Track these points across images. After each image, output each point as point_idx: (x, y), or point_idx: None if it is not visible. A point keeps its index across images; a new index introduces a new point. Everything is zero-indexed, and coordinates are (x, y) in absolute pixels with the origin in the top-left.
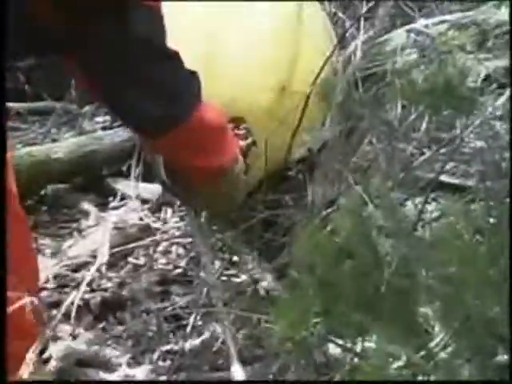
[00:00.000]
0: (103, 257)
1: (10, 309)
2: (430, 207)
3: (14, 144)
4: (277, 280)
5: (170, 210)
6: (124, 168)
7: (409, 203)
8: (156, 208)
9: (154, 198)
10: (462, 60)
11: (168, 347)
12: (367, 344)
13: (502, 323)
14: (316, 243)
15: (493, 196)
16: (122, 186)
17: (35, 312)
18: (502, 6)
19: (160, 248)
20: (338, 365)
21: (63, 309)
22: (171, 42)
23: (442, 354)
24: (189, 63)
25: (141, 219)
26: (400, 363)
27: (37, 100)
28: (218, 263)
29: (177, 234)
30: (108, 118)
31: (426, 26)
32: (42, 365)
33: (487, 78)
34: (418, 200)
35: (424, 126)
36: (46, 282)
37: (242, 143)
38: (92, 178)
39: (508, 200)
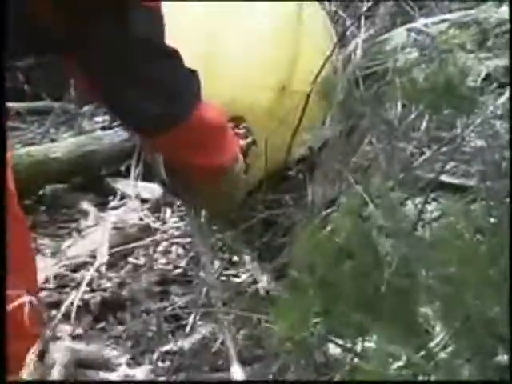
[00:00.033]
0: (103, 257)
1: (10, 306)
2: (430, 207)
3: (13, 144)
4: (277, 280)
5: (169, 210)
6: (123, 168)
7: (409, 203)
8: (156, 208)
9: (154, 198)
10: (463, 59)
11: (167, 347)
12: (367, 344)
13: (502, 323)
14: (316, 243)
15: (493, 196)
16: (122, 185)
17: (35, 312)
18: (502, 4)
19: (160, 248)
20: (338, 365)
21: (63, 309)
22: (171, 42)
23: (442, 354)
24: (189, 63)
25: (140, 219)
26: (400, 363)
27: (36, 100)
28: (217, 263)
29: (176, 233)
30: (107, 117)
31: (427, 25)
32: (42, 365)
33: (488, 77)
34: (418, 200)
35: (424, 125)
36: (46, 282)
37: (242, 143)
38: (91, 178)
39: (508, 200)
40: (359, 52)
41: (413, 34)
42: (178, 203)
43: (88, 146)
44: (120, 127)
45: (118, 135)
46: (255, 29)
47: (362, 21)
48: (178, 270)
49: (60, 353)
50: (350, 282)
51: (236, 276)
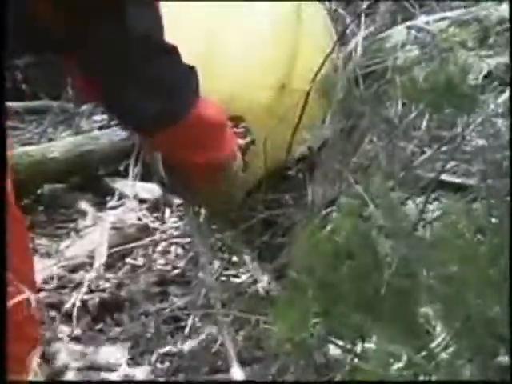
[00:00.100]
0: (102, 257)
1: (10, 303)
2: (431, 206)
3: (12, 143)
4: (277, 280)
5: (168, 210)
6: (122, 168)
7: (409, 202)
8: (154, 208)
9: (153, 198)
10: (463, 57)
11: (166, 349)
12: (367, 345)
13: (503, 323)
14: (316, 243)
15: (494, 195)
16: (120, 185)
17: (35, 313)
18: (503, 2)
19: (158, 248)
20: (338, 365)
21: (65, 310)
22: (171, 41)
23: (443, 355)
24: (188, 62)
25: (139, 219)
26: (401, 364)
27: (34, 99)
28: (217, 263)
29: (175, 234)
30: (105, 117)
31: (427, 23)
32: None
33: (489, 75)
34: (419, 200)
35: (425, 124)
36: (44, 282)
37: (241, 142)
38: (89, 178)
39: (509, 199)
40: (359, 50)
41: (413, 32)
42: (177, 203)
43: (86, 145)
44: (118, 126)
45: (117, 134)
46: (255, 28)
47: (362, 19)
48: (177, 271)
49: (58, 354)
50: (349, 283)
51: (236, 276)
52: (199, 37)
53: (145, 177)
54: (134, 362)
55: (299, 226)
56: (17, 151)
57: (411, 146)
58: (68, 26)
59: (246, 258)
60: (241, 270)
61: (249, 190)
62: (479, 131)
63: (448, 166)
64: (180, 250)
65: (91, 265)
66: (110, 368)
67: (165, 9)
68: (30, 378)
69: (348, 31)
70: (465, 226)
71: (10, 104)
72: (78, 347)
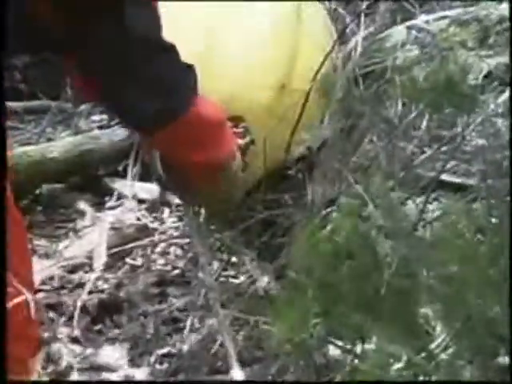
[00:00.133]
0: (100, 258)
1: (10, 304)
2: (430, 206)
3: (12, 143)
4: (276, 281)
5: (167, 210)
6: (121, 168)
7: (409, 202)
8: (153, 208)
9: (152, 198)
10: (463, 57)
11: (165, 350)
12: (367, 345)
13: (503, 324)
14: (315, 243)
15: (494, 195)
16: (119, 185)
17: (34, 313)
18: (503, 1)
19: (158, 249)
20: (338, 366)
21: (64, 312)
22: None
23: (443, 355)
24: (188, 61)
25: (138, 219)
26: (401, 365)
27: (32, 99)
28: (216, 264)
29: (175, 234)
30: (104, 116)
31: (427, 22)
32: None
33: (489, 74)
34: (419, 199)
35: (425, 124)
36: (42, 283)
37: (241, 142)
38: (88, 178)
39: (509, 199)
40: (359, 49)
41: (413, 32)
42: (176, 203)
43: (85, 145)
44: (118, 126)
45: (116, 134)
46: (255, 28)
47: (362, 18)
48: (176, 271)
49: (57, 355)
50: (349, 283)
51: (235, 277)
52: (199, 36)
53: (144, 177)
54: (133, 363)
55: (299, 226)
56: (16, 151)
57: (411, 145)
58: (68, 26)
59: (246, 258)
60: (240, 270)
61: (248, 190)
62: (479, 131)
63: (448, 165)
64: (179, 251)
65: (90, 265)
66: (109, 369)
67: (165, 8)
68: (33, 378)
69: (348, 31)
70: (465, 226)
71: (8, 104)
72: (76, 348)
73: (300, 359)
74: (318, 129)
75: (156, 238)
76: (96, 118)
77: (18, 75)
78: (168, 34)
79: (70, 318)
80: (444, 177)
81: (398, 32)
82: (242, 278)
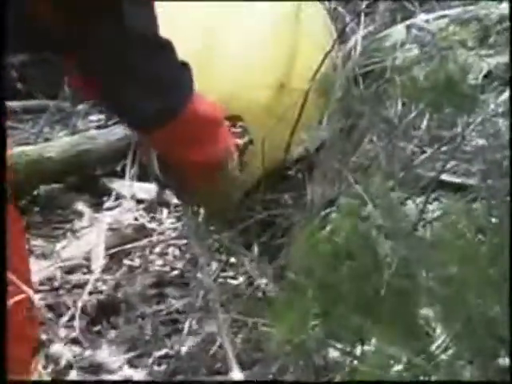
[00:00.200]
0: (99, 258)
1: (10, 303)
2: (431, 206)
3: (11, 143)
4: (275, 281)
5: (166, 211)
6: (119, 168)
7: (409, 202)
8: (152, 208)
9: (150, 199)
10: (463, 56)
11: (164, 351)
12: (367, 347)
13: (503, 324)
14: (315, 244)
15: (494, 195)
16: (117, 185)
17: (34, 314)
18: (503, 0)
19: (156, 249)
20: (337, 367)
21: (63, 313)
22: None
23: (443, 357)
24: (188, 62)
25: (136, 220)
26: (401, 366)
27: (30, 98)
28: (214, 265)
29: (173, 235)
30: (102, 116)
31: (426, 22)
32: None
33: (489, 74)
34: (419, 200)
35: (425, 124)
36: (40, 284)
37: (239, 142)
38: (86, 178)
39: (509, 199)
40: (359, 48)
41: (414, 31)
42: (175, 203)
43: (82, 145)
44: (115, 126)
45: (113, 134)
46: (255, 28)
47: (362, 17)
48: (175, 272)
49: (56, 356)
50: (349, 284)
51: (234, 278)
52: (199, 36)
53: (142, 177)
54: (131, 364)
55: (298, 227)
56: (15, 151)
57: (411, 145)
58: (68, 26)
59: (244, 259)
60: (239, 271)
61: (247, 190)
62: (479, 131)
63: (448, 165)
64: (177, 252)
65: (88, 266)
66: (107, 370)
67: (165, 8)
68: (33, 378)
69: (347, 30)
70: (465, 226)
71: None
72: (75, 349)
73: (299, 361)
74: (316, 130)
75: (154, 238)
76: (94, 117)
77: (15, 74)
78: (168, 33)
79: (69, 319)
80: (444, 177)
81: (398, 31)
82: (240, 279)
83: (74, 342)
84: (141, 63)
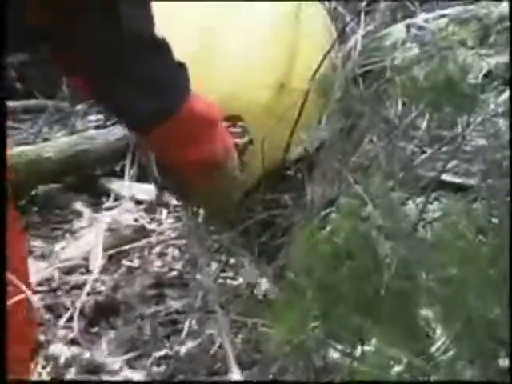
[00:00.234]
0: (98, 259)
1: (10, 302)
2: (431, 207)
3: (11, 143)
4: (275, 282)
5: (165, 211)
6: (118, 168)
7: (410, 203)
8: (151, 209)
9: (149, 199)
10: (463, 56)
11: (163, 352)
12: (367, 348)
13: (503, 326)
14: (314, 244)
15: (495, 195)
16: (116, 186)
17: (32, 315)
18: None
19: (155, 250)
20: (337, 368)
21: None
22: (169, 41)
23: (443, 358)
24: (187, 61)
25: (135, 220)
26: (401, 368)
27: (28, 98)
28: (214, 265)
29: (172, 235)
30: (101, 116)
31: (426, 21)
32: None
33: (489, 74)
34: (419, 200)
35: (425, 123)
36: (38, 285)
37: (239, 142)
38: (85, 178)
39: (509, 199)
40: (359, 48)
41: (414, 30)
42: (174, 204)
43: (81, 145)
44: (114, 126)
45: (112, 134)
46: (255, 28)
47: (362, 16)
48: (174, 273)
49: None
50: (349, 284)
51: (233, 279)
52: (199, 36)
53: (141, 177)
54: (130, 365)
55: (298, 227)
56: (14, 151)
57: (411, 145)
58: (57, 26)
59: (244, 259)
60: (239, 271)
61: (247, 190)
62: (480, 131)
63: (448, 165)
64: (177, 252)
65: (87, 267)
66: (107, 371)
67: (165, 8)
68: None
69: (347, 29)
70: (465, 226)
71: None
72: (73, 350)
73: (299, 362)
74: (316, 130)
75: (153, 239)
76: (92, 118)
77: (14, 74)
78: (168, 33)
79: (68, 319)
80: (444, 177)
81: (398, 30)
82: (240, 280)
83: (73, 342)
84: (137, 63)
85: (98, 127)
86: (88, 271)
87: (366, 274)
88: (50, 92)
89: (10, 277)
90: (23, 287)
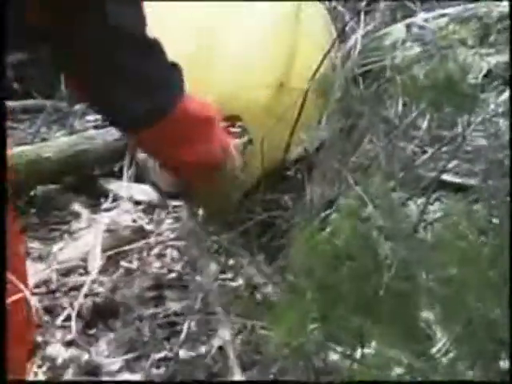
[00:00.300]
0: (97, 260)
1: (10, 302)
2: (432, 207)
3: (11, 143)
4: (274, 283)
5: (164, 212)
6: (116, 168)
7: (410, 203)
8: (150, 210)
9: (148, 200)
10: (463, 55)
11: (162, 354)
12: (367, 350)
13: (503, 327)
14: (314, 245)
15: (495, 195)
16: (115, 186)
17: (29, 316)
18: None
19: (154, 251)
20: (337, 369)
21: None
22: (169, 40)
23: (444, 360)
24: (187, 61)
25: (134, 221)
26: (401, 369)
27: (26, 98)
28: (214, 266)
29: (171, 236)
30: (99, 117)
31: (426, 20)
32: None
33: (489, 73)
34: (420, 200)
35: (425, 123)
36: (36, 286)
37: (238, 141)
38: (83, 179)
39: (509, 199)
40: (358, 47)
41: (415, 30)
42: (173, 205)
43: (79, 145)
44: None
45: (111, 134)
46: (254, 28)
47: (362, 16)
48: (173, 274)
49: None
50: (349, 285)
51: (232, 280)
52: (199, 36)
53: (140, 178)
54: (129, 367)
55: (297, 228)
56: (13, 151)
57: (412, 145)
58: (54, 26)
59: (243, 260)
60: (238, 273)
61: (247, 190)
62: (480, 131)
63: (449, 165)
64: (176, 253)
65: (85, 268)
66: (105, 373)
67: (164, 8)
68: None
69: (347, 29)
70: (466, 227)
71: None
72: (71, 352)
73: (298, 363)
74: (316, 130)
75: (152, 240)
76: (91, 117)
77: (12, 74)
78: (168, 33)
79: (66, 321)
80: (445, 177)
81: (398, 30)
82: (239, 281)
83: (71, 344)
84: (129, 63)
85: (96, 127)
86: (86, 272)
87: (366, 274)
88: (48, 92)
89: (9, 276)
90: (21, 286)
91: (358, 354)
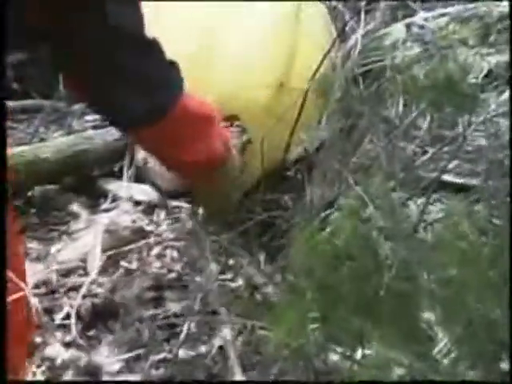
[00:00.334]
0: (96, 261)
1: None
2: (432, 207)
3: (11, 142)
4: (274, 283)
5: (163, 212)
6: (116, 169)
7: (411, 203)
8: (149, 210)
9: (148, 200)
10: (464, 55)
11: (162, 355)
12: (367, 350)
13: (503, 327)
14: (314, 245)
15: (495, 195)
16: (114, 187)
17: (28, 316)
18: None
19: (153, 251)
20: (337, 370)
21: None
22: (169, 40)
23: (445, 361)
24: (187, 61)
25: (133, 221)
26: (402, 370)
27: (25, 98)
28: (213, 267)
29: (171, 236)
30: (98, 117)
31: (427, 20)
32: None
33: (489, 73)
34: (420, 201)
35: (426, 124)
36: (35, 287)
37: (238, 141)
38: (82, 179)
39: (509, 199)
40: (359, 47)
41: (415, 29)
42: (173, 205)
43: (79, 145)
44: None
45: (110, 134)
46: (254, 28)
47: (362, 15)
48: (173, 275)
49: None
50: (349, 286)
51: (232, 280)
52: (199, 36)
53: (139, 178)
54: (128, 368)
55: (298, 228)
56: (12, 151)
57: (412, 146)
58: (54, 26)
59: (243, 260)
60: (238, 273)
61: (247, 190)
62: (481, 131)
63: (450, 165)
64: (175, 254)
65: (84, 269)
66: (104, 374)
67: (165, 8)
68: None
69: (347, 28)
70: (467, 227)
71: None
72: (71, 353)
73: (298, 364)
74: (316, 130)
75: (152, 240)
76: (89, 117)
77: (11, 73)
78: (168, 33)
79: (65, 321)
80: (446, 177)
81: (398, 29)
82: (239, 281)
83: (71, 345)
84: (129, 63)
85: (95, 127)
86: (86, 273)
87: (366, 275)
88: (46, 92)
89: (9, 275)
90: (22, 285)
91: (359, 354)
